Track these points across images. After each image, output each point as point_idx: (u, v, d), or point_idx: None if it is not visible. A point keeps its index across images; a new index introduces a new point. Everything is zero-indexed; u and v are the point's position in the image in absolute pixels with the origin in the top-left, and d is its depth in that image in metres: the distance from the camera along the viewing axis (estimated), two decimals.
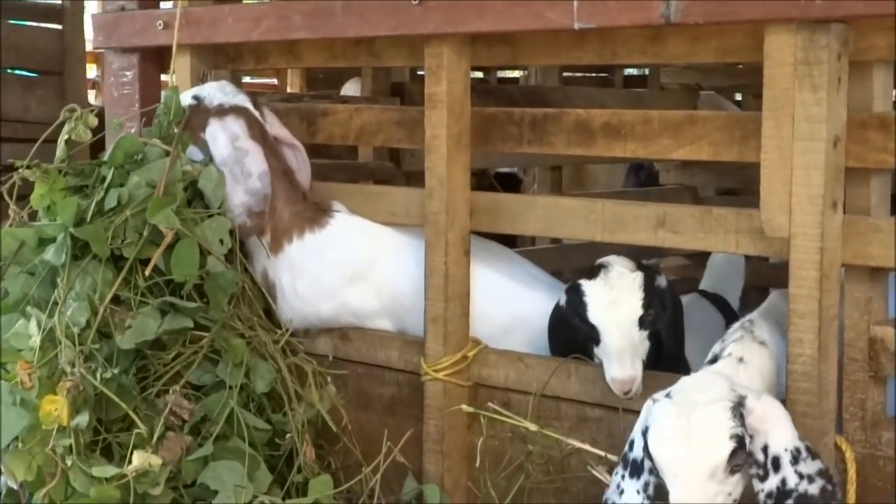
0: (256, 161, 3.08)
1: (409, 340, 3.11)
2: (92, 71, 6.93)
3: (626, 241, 2.76)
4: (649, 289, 2.71)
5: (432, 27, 2.87)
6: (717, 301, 3.72)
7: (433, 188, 2.95)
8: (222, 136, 3.10)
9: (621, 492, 2.32)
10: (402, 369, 3.12)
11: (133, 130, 3.46)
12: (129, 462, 2.60)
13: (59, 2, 5.49)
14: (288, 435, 2.91)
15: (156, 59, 3.64)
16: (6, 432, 2.63)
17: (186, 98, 3.17)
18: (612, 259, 2.77)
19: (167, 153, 3.01)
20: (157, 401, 2.83)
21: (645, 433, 2.22)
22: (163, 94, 3.24)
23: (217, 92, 3.19)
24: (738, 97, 7.13)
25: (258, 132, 3.16)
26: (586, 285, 2.73)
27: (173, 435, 2.74)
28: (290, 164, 3.22)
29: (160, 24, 3.43)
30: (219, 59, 3.51)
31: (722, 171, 5.40)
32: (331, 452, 3.15)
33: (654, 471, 2.23)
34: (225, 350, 2.87)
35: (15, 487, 2.71)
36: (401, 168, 4.59)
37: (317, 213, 3.19)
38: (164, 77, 3.66)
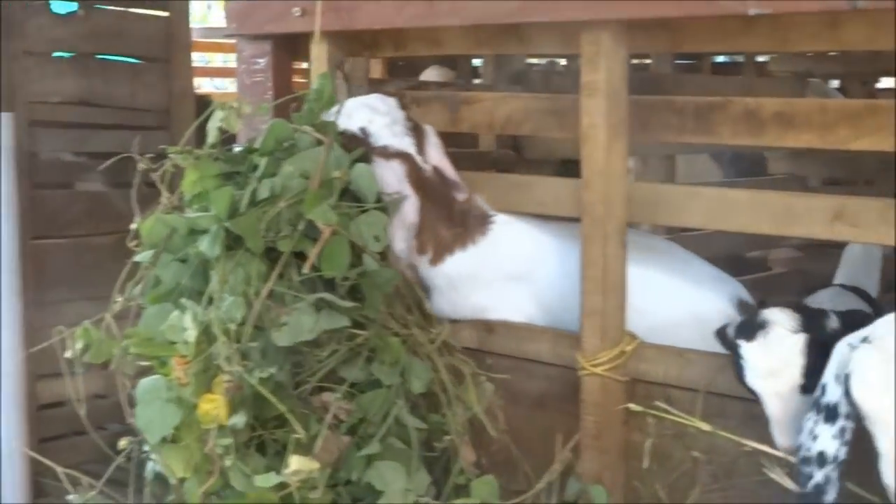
0: (412, 210, 3.02)
1: (559, 334, 3.04)
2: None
3: (799, 235, 2.67)
4: (813, 351, 2.49)
5: (592, 13, 2.79)
6: (861, 294, 3.62)
7: (590, 178, 2.87)
8: (389, 177, 3.04)
9: (815, 437, 2.28)
10: (553, 363, 3.05)
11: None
12: (287, 465, 2.54)
13: None
14: (447, 437, 2.85)
15: (288, 46, 3.58)
16: (159, 429, 2.60)
17: (351, 122, 3.10)
18: (773, 316, 2.55)
19: (318, 141, 2.94)
20: (311, 399, 2.78)
21: (845, 380, 2.20)
22: (314, 80, 3.17)
23: (386, 131, 3.11)
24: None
25: (416, 179, 3.09)
26: (744, 348, 2.56)
27: (330, 434, 2.68)
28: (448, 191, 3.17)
29: (298, 12, 3.37)
30: (355, 46, 3.44)
31: (830, 161, 5.30)
32: (479, 449, 3.08)
33: (850, 416, 2.21)
34: (381, 348, 2.81)
35: (172, 482, 2.68)
36: (522, 157, 4.52)
37: (478, 223, 3.14)
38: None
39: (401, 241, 3.01)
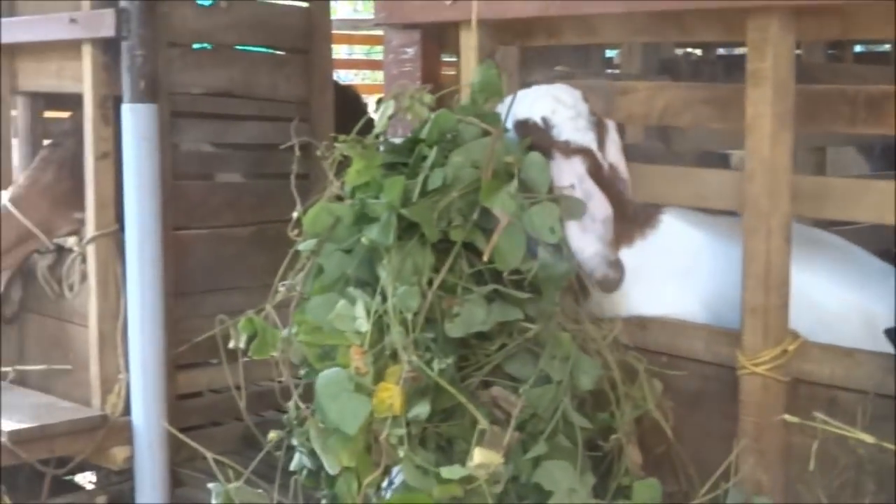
0: (601, 206, 2.92)
1: (716, 331, 2.94)
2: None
3: None
4: None
5: None
6: None
7: (755, 170, 2.77)
8: (568, 175, 2.95)
9: None
10: (709, 361, 2.95)
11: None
12: (470, 458, 2.51)
13: None
14: (614, 436, 2.77)
15: (437, 35, 3.53)
16: (351, 420, 2.56)
17: (533, 111, 3.03)
18: None
19: (484, 132, 2.88)
20: (479, 393, 2.73)
21: None
22: (477, 69, 3.11)
23: (569, 124, 3.00)
24: None
25: (597, 175, 2.99)
26: None
27: (498, 430, 2.62)
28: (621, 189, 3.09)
29: (449, 0, 3.31)
30: (506, 35, 3.38)
31: None
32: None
33: None
34: (551, 343, 2.74)
35: (331, 473, 2.65)
36: (670, 148, 4.41)
37: (646, 217, 3.06)
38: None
39: (596, 241, 2.89)
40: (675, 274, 3.05)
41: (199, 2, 5.06)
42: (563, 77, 3.63)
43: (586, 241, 2.89)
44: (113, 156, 4.77)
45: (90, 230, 4.80)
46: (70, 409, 4.79)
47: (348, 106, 5.59)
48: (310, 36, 5.36)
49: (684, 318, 3.03)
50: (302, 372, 2.91)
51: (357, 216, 2.86)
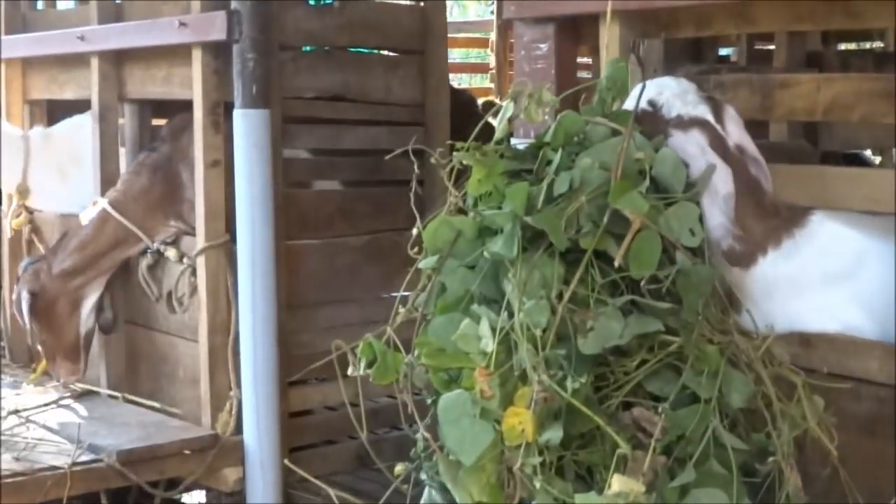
0: (723, 180, 2.70)
1: (892, 349, 2.66)
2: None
3: None
4: None
5: None
6: None
7: None
8: (691, 147, 2.71)
9: None
10: (884, 383, 2.67)
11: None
12: (608, 486, 2.26)
13: None
14: (771, 458, 2.49)
15: (572, 29, 3.29)
16: (470, 448, 2.34)
17: (640, 101, 2.79)
18: None
19: (613, 132, 2.64)
20: (619, 415, 2.47)
21: None
22: (604, 66, 2.86)
23: (676, 101, 2.79)
24: None
25: (720, 148, 2.76)
26: None
27: (642, 454, 2.37)
28: (755, 174, 2.80)
29: None
30: (650, 26, 3.14)
31: None
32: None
33: None
34: (695, 357, 2.48)
35: None
36: (818, 147, 4.13)
37: (793, 214, 2.78)
38: None
39: (720, 213, 2.70)
40: (833, 280, 2.77)
41: (311, 2, 4.85)
42: (705, 72, 3.36)
43: (712, 211, 2.71)
44: (222, 164, 4.59)
45: (200, 242, 4.62)
46: (180, 427, 4.60)
47: (462, 109, 5.35)
48: (425, 36, 5.12)
49: (847, 332, 2.76)
50: (428, 401, 2.68)
51: (479, 229, 2.65)
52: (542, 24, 3.29)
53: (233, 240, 4.58)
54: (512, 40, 10.31)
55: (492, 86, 9.84)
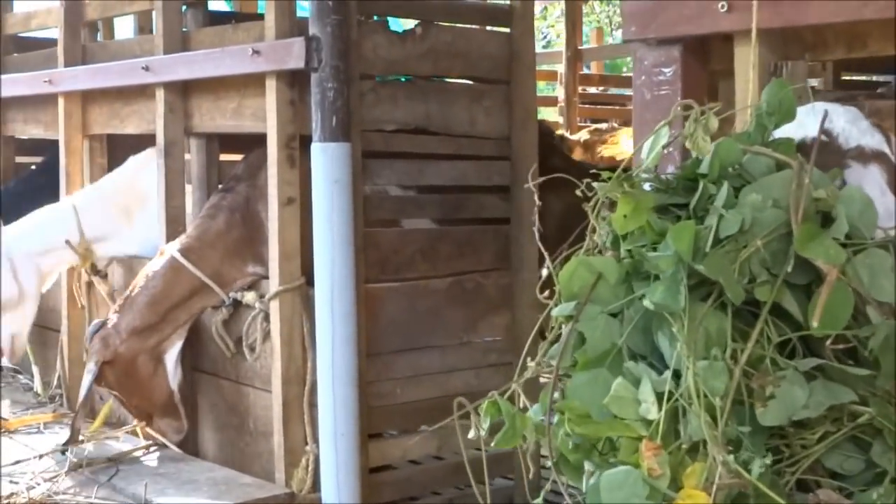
0: None
1: None
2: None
3: None
4: None
5: None
6: None
7: None
8: (870, 188, 2.35)
9: None
10: None
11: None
12: None
13: (508, 2, 4.88)
14: None
15: (700, 51, 2.95)
16: None
17: (804, 128, 2.45)
18: None
19: (778, 165, 2.29)
20: (798, 495, 2.12)
21: None
22: (765, 89, 2.51)
23: (852, 129, 2.45)
24: None
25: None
26: None
27: None
28: None
29: (723, 7, 2.73)
30: (793, 47, 2.78)
31: None
32: None
33: None
34: (888, 430, 2.12)
35: None
36: None
37: None
38: None
39: None
40: None
41: (394, 28, 4.53)
42: (850, 98, 3.01)
43: None
44: (298, 201, 4.28)
45: (273, 284, 4.31)
46: (252, 485, 4.28)
47: (541, 140, 5.00)
48: (511, 65, 4.80)
49: None
50: (563, 479, 2.33)
51: (626, 272, 2.30)
52: (668, 45, 2.94)
53: (308, 282, 4.28)
54: (581, 72, 10.11)
55: (560, 119, 9.54)
